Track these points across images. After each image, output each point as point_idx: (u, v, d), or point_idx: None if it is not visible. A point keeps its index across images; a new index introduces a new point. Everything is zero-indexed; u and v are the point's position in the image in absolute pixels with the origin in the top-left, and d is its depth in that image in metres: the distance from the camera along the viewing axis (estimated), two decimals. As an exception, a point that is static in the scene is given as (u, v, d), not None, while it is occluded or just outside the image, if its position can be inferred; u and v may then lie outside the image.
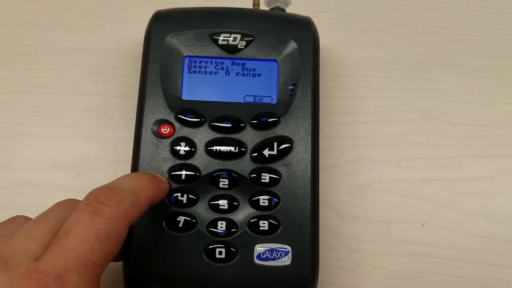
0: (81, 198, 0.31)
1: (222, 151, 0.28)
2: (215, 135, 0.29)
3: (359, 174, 0.33)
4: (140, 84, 0.30)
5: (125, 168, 0.33)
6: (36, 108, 0.34)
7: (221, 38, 0.30)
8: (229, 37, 0.30)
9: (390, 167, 0.33)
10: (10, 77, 0.35)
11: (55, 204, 0.24)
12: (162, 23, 0.30)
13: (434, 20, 0.37)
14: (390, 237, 0.32)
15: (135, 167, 0.28)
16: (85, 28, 0.37)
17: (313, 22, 0.31)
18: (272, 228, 0.27)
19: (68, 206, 0.23)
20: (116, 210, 0.22)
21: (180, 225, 0.27)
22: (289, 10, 0.33)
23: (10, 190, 0.32)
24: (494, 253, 0.32)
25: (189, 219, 0.27)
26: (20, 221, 0.24)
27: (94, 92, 0.35)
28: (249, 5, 0.33)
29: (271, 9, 0.33)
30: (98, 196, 0.22)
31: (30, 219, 0.24)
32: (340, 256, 0.31)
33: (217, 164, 0.28)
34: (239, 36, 0.30)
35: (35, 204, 0.31)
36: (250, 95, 0.30)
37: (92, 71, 0.35)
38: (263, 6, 0.33)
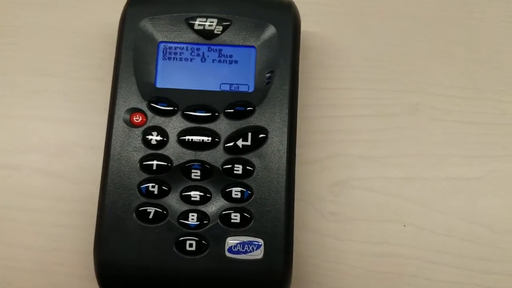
0: (58, 182, 0.31)
1: (195, 141, 0.27)
2: (188, 124, 0.28)
3: (339, 170, 0.31)
4: (113, 71, 0.29)
5: (101, 154, 0.32)
6: (13, 89, 0.33)
7: (197, 22, 0.29)
8: (205, 21, 0.29)
9: (372, 164, 0.31)
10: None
11: None
12: (137, 7, 0.29)
13: (430, 8, 0.35)
14: (368, 236, 0.30)
15: (107, 157, 0.28)
16: (63, 7, 0.34)
17: (294, 5, 0.29)
18: (244, 220, 0.26)
19: None
20: None
21: (151, 216, 0.27)
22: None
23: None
24: (479, 258, 0.30)
25: (160, 210, 0.27)
26: None
27: (72, 75, 0.33)
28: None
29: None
30: None
31: None
32: (314, 253, 0.30)
33: (189, 155, 0.27)
34: (215, 21, 0.29)
35: (14, 189, 0.31)
36: (226, 83, 0.29)
37: (71, 53, 0.34)
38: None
